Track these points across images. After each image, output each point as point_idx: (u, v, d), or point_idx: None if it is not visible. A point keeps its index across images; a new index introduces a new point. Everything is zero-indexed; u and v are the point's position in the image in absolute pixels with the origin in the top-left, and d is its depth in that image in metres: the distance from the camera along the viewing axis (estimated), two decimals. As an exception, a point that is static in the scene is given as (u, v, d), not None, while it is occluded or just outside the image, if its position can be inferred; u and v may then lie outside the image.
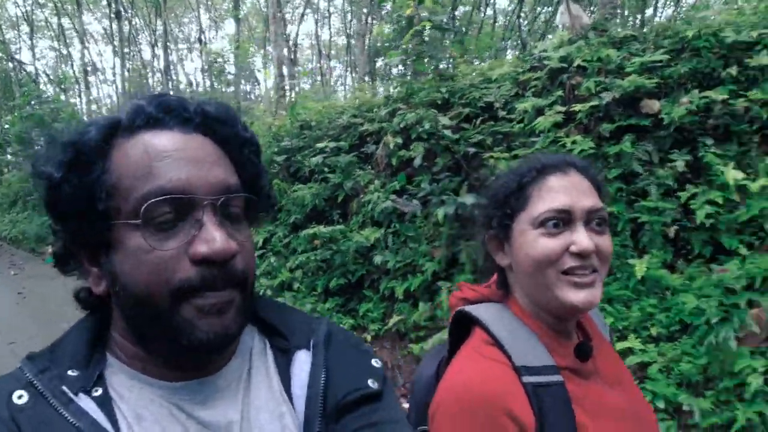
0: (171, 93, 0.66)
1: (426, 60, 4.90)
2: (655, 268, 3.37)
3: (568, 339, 0.92)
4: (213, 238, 0.56)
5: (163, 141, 0.59)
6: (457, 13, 15.54)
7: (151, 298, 0.57)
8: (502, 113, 4.29)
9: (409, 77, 5.04)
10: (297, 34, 17.52)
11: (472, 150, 3.96)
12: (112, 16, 18.08)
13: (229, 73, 18.10)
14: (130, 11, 20.27)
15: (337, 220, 4.85)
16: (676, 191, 3.54)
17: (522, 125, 4.07)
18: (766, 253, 3.41)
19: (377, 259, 4.07)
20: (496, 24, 16.28)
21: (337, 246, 4.39)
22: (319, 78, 18.44)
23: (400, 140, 4.51)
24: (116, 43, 18.78)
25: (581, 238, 0.84)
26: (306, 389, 0.65)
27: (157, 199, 0.56)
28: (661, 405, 2.93)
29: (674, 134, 3.71)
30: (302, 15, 17.41)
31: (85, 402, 0.58)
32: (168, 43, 19.69)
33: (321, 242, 4.56)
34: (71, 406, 0.57)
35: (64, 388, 0.58)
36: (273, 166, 5.82)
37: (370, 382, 0.67)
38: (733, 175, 3.41)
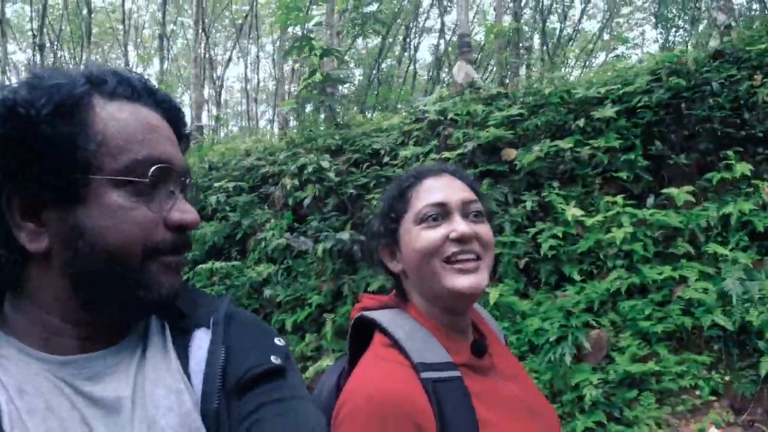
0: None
1: (327, 110, 5.34)
2: (508, 295, 3.82)
3: (463, 337, 0.96)
4: (189, 209, 0.63)
5: (150, 116, 0.64)
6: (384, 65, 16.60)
7: (125, 254, 0.59)
8: (387, 159, 4.76)
9: (308, 123, 5.45)
10: (224, 77, 17.83)
11: (354, 192, 4.37)
12: (36, 47, 17.56)
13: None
14: (55, 44, 19.76)
15: (236, 256, 5.06)
16: (526, 227, 4.06)
17: (402, 170, 4.54)
18: (603, 280, 3.96)
19: (267, 292, 4.32)
20: (420, 78, 17.51)
21: (231, 281, 4.60)
22: (246, 121, 18.75)
23: (296, 182, 4.85)
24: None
25: (459, 224, 0.91)
26: (204, 365, 0.65)
27: (160, 165, 0.61)
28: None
29: (527, 178, 4.28)
30: (229, 59, 17.79)
31: None
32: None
33: (218, 277, 4.74)
34: None
35: None
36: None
37: (273, 358, 0.67)
38: (572, 212, 3.98)
